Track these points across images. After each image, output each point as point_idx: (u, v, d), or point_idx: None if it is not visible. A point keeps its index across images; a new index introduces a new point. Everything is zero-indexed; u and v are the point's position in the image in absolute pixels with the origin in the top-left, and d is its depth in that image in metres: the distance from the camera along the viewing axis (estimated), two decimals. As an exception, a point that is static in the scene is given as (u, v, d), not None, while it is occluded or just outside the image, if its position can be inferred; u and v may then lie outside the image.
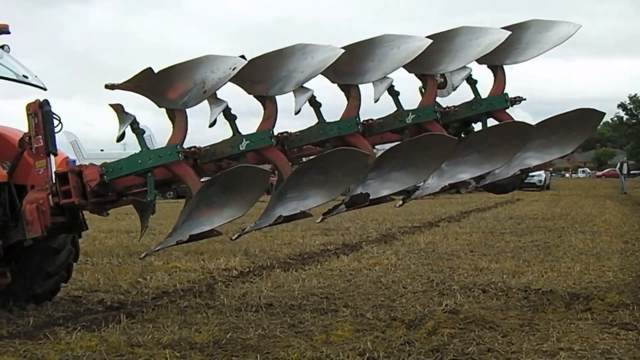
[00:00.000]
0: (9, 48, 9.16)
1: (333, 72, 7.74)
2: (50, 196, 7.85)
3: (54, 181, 7.90)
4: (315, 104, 7.89)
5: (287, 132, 7.87)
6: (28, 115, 8.07)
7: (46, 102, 8.13)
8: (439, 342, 6.77)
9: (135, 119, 7.45)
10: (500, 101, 8.25)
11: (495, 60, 8.19)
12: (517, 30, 8.02)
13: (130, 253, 14.37)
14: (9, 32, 9.19)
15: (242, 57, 7.29)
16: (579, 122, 8.11)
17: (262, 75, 7.56)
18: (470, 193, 32.23)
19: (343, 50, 7.40)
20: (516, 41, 8.06)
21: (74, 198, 7.74)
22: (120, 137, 7.38)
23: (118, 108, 7.40)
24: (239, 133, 7.63)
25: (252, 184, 7.26)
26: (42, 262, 8.91)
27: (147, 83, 7.28)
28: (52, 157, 8.12)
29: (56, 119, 8.49)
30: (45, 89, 9.04)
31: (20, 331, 7.60)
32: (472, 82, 8.37)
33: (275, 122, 7.74)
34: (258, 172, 7.19)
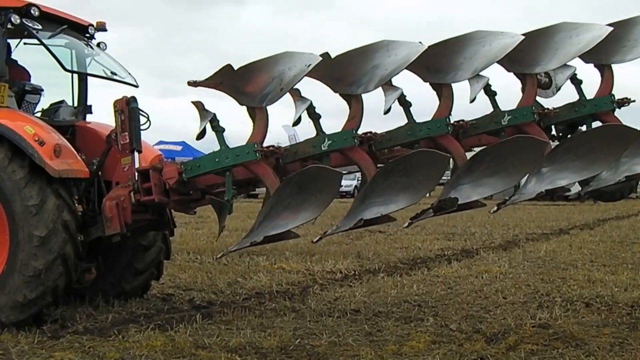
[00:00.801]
0: (105, 45, 9.29)
1: (425, 70, 7.41)
2: (132, 193, 7.87)
3: (136, 178, 7.93)
4: (404, 103, 7.54)
5: (372, 133, 7.55)
6: (115, 111, 8.15)
7: (133, 99, 8.18)
8: (515, 358, 6.31)
9: (215, 116, 7.36)
10: (605, 102, 7.62)
11: (602, 59, 7.59)
12: (624, 27, 7.40)
13: (239, 253, 14.34)
14: (105, 30, 9.32)
15: (326, 54, 7.06)
16: None
17: (346, 72, 7.30)
18: (578, 200, 30.79)
19: (426, 47, 7.04)
20: (624, 38, 7.43)
21: (155, 195, 7.74)
22: (201, 134, 7.26)
23: (198, 105, 7.30)
24: (322, 132, 7.39)
25: (325, 186, 7.01)
26: (131, 259, 9.00)
27: (228, 80, 7.16)
28: (136, 154, 8.13)
29: (144, 116, 8.53)
30: (136, 86, 9.10)
31: (96, 327, 7.65)
32: (576, 82, 7.78)
33: (360, 122, 7.44)
34: (330, 174, 6.92)
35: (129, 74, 9.20)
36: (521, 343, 6.85)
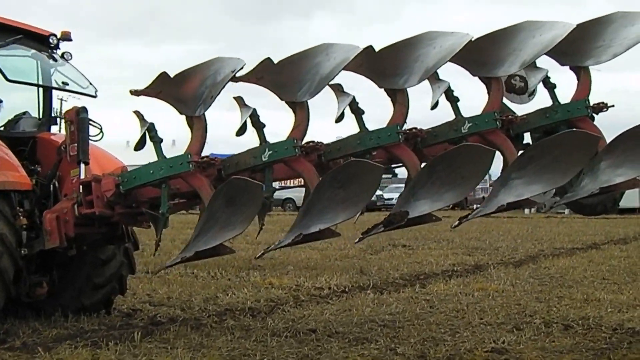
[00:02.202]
0: (70, 55, 9.09)
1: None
2: (76, 206, 7.62)
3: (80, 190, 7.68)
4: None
5: (318, 142, 7.13)
6: (65, 122, 7.95)
7: (83, 109, 7.94)
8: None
9: (152, 125, 7.09)
10: (579, 108, 7.05)
11: (577, 61, 7.06)
12: (598, 26, 6.88)
13: (240, 266, 14.06)
14: (70, 39, 9.14)
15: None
16: None
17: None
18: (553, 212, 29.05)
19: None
20: (599, 38, 6.90)
21: (96, 208, 7.48)
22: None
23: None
24: (265, 142, 7.00)
25: (250, 199, 6.61)
26: (90, 273, 8.75)
27: (166, 88, 6.88)
28: (82, 165, 7.89)
29: (97, 127, 8.33)
30: (94, 97, 8.88)
31: (35, 343, 7.38)
32: (549, 85, 7.23)
33: (305, 130, 7.03)
34: (255, 187, 6.52)
35: (91, 84, 8.99)
36: (461, 370, 6.36)
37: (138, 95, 6.95)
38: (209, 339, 7.64)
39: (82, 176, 7.81)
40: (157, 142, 7.17)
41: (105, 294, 8.97)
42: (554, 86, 7.23)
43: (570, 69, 7.17)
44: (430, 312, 9.34)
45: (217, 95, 6.73)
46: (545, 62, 7.21)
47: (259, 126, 7.06)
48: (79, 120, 7.87)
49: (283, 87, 6.83)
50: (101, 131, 8.36)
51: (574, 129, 6.80)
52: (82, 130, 7.89)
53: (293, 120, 7.04)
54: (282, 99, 6.87)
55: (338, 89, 7.07)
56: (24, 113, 8.97)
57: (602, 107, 7.12)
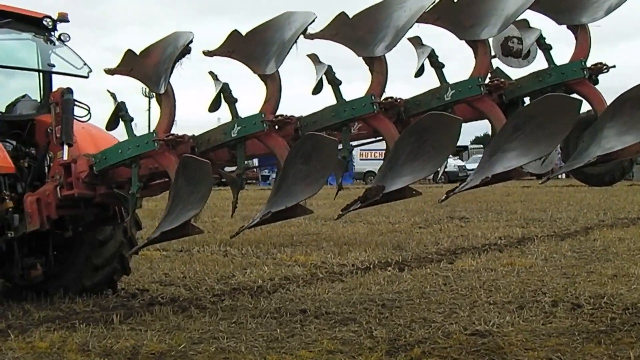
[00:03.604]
0: (68, 36, 9.02)
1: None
2: (58, 188, 7.59)
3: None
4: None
5: (290, 116, 6.77)
6: (50, 104, 7.93)
7: (68, 90, 7.92)
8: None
9: (124, 104, 6.99)
10: (574, 70, 6.40)
11: (573, 19, 6.45)
12: None
13: (278, 243, 13.91)
14: (67, 21, 9.06)
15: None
16: None
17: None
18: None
19: None
20: None
21: (75, 189, 7.43)
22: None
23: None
24: (237, 117, 6.76)
25: (201, 179, 6.40)
26: (88, 254, 8.73)
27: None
28: (65, 147, 7.85)
29: (84, 108, 8.28)
30: (86, 77, 8.80)
31: (19, 325, 7.41)
32: (545, 47, 6.65)
33: (277, 104, 6.78)
34: (203, 166, 6.29)
35: (85, 64, 8.92)
36: (427, 356, 6.03)
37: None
38: (189, 320, 7.51)
39: (65, 158, 7.78)
40: (128, 120, 7.06)
41: (107, 275, 8.92)
42: (550, 47, 6.64)
43: (568, 27, 6.61)
44: (441, 290, 8.98)
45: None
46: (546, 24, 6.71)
47: (231, 101, 6.84)
48: (63, 101, 7.83)
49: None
50: (89, 112, 8.30)
51: (552, 93, 6.27)
52: (65, 111, 7.86)
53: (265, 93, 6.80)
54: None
55: (314, 59, 6.77)
56: (23, 96, 8.95)
57: (601, 67, 6.45)
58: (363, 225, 17.24)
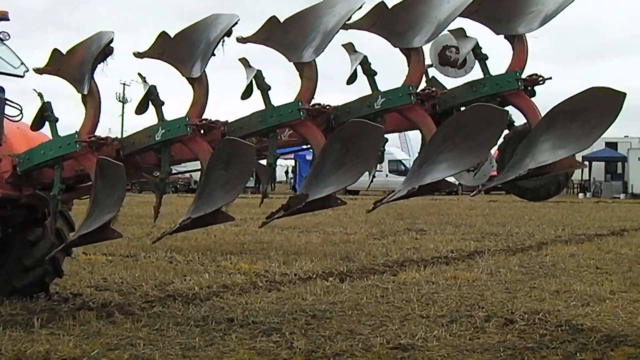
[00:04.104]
0: (8, 35, 8.82)
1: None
2: None
3: None
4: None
5: (322, 105, 6.62)
6: None
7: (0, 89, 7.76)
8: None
9: (49, 104, 6.82)
10: (509, 80, 6.35)
11: (511, 29, 6.41)
12: None
13: (228, 251, 13.73)
14: (8, 19, 8.88)
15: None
16: (594, 106, 5.98)
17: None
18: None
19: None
20: (531, 3, 6.31)
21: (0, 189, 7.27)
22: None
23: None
24: (162, 120, 6.66)
25: (116, 182, 6.27)
26: (18, 255, 8.52)
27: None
28: None
29: (16, 107, 8.11)
30: (21, 77, 8.60)
31: None
32: (480, 56, 6.58)
33: (203, 107, 6.81)
34: (116, 169, 6.16)
35: (22, 63, 8.73)
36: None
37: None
38: (111, 326, 7.32)
39: None
40: (53, 121, 6.93)
41: (38, 277, 8.68)
42: (486, 57, 6.59)
43: (505, 37, 6.55)
44: (377, 302, 8.84)
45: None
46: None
47: (157, 104, 6.72)
48: None
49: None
50: (21, 112, 8.13)
51: (478, 104, 6.18)
52: None
53: (192, 97, 6.69)
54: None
55: (245, 63, 6.65)
56: None
57: (536, 79, 6.41)
58: (318, 235, 17.12)
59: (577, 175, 48.09)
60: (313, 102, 6.48)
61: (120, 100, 65.76)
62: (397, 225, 19.48)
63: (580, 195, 44.24)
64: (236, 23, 6.32)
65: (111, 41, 6.48)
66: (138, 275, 10.54)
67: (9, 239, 8.41)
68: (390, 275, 10.96)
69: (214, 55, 6.46)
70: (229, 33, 6.38)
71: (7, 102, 7.87)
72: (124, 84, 64.08)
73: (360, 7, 6.26)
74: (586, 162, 37.42)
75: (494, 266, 11.88)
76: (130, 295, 9.14)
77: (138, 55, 6.67)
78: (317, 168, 6.40)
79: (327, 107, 6.47)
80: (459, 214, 24.65)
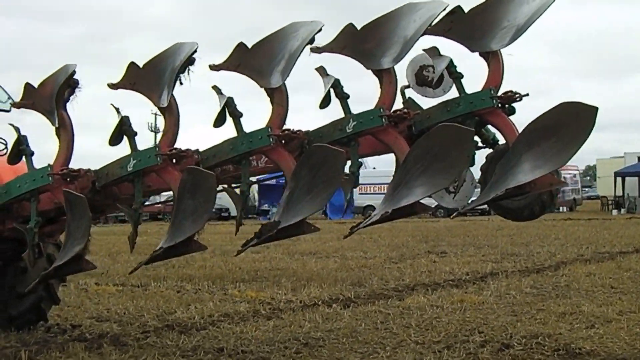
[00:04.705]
0: None
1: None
2: None
3: None
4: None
5: (291, 130, 6.46)
6: None
7: None
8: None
9: (25, 138, 6.83)
10: (483, 98, 6.07)
11: (483, 45, 6.17)
12: (500, 5, 6.10)
13: (227, 278, 13.66)
14: None
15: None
16: (568, 121, 5.80)
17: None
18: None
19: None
20: (502, 18, 6.06)
21: None
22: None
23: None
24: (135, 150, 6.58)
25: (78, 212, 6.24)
26: (13, 283, 8.52)
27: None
28: None
29: (1, 142, 8.16)
30: (7, 111, 8.67)
31: None
32: (455, 75, 6.27)
33: (174, 136, 6.71)
34: (79, 201, 6.12)
35: (10, 98, 8.80)
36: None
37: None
38: (98, 357, 7.29)
39: None
40: (28, 154, 6.96)
41: (33, 303, 8.66)
42: (460, 75, 6.28)
43: (480, 55, 6.34)
44: (375, 329, 8.68)
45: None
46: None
47: (130, 134, 6.68)
48: None
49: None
50: (6, 147, 8.16)
51: (443, 124, 6.00)
52: None
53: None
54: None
55: (217, 90, 6.57)
56: None
57: (511, 96, 6.09)
58: (336, 260, 17.00)
59: (610, 192, 47.52)
60: (285, 127, 6.39)
61: (152, 130, 66.32)
62: (419, 248, 19.31)
63: (615, 211, 43.48)
64: (195, 51, 6.26)
65: (73, 73, 6.49)
66: (142, 305, 10.50)
67: (2, 270, 8.40)
68: (396, 300, 10.78)
69: (182, 84, 6.41)
70: (191, 61, 6.33)
71: None
72: (155, 114, 64.55)
73: (320, 30, 6.17)
74: (566, 180, 36.35)
75: (504, 288, 11.64)
76: (129, 326, 9.08)
77: (112, 86, 6.65)
78: (289, 195, 6.28)
79: (298, 132, 6.36)
80: (485, 235, 24.35)
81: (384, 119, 6.17)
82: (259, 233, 6.29)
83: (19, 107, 6.92)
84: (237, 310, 10.08)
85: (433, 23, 6.05)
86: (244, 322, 9.25)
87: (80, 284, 12.83)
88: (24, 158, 7.02)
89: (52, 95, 6.54)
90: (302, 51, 6.11)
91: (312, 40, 6.19)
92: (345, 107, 6.30)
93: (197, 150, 6.56)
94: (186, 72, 6.36)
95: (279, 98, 6.41)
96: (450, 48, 6.30)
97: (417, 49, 6.42)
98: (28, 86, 6.72)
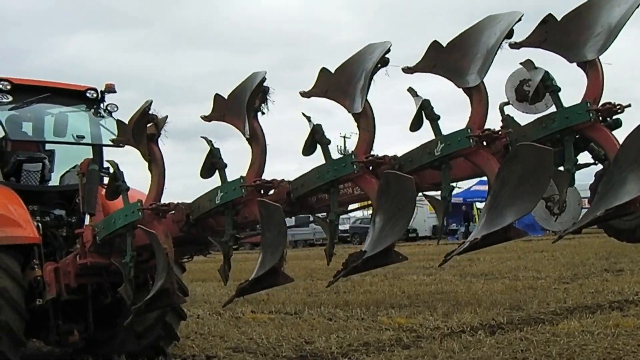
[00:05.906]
0: (116, 107, 9.21)
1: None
2: (78, 256, 7.73)
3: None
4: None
5: (378, 156, 6.22)
6: (77, 174, 8.13)
7: (93, 161, 8.22)
8: None
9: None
10: (579, 112, 5.51)
11: (580, 55, 5.61)
12: (589, 11, 5.56)
13: (383, 303, 13.38)
14: (114, 91, 9.31)
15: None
16: None
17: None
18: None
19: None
20: (595, 24, 5.52)
21: (88, 258, 7.63)
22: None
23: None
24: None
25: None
26: (130, 321, 8.68)
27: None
28: (87, 216, 8.07)
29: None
30: (121, 146, 8.85)
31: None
32: (551, 88, 5.73)
33: (262, 168, 6.66)
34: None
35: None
36: None
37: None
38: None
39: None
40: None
41: (151, 342, 8.83)
42: (558, 89, 5.75)
43: (578, 65, 5.75)
44: (513, 359, 8.19)
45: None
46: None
47: (220, 166, 6.69)
48: (88, 172, 8.00)
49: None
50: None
51: (522, 143, 5.52)
52: (89, 182, 7.99)
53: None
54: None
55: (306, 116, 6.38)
56: (74, 167, 9.12)
57: (611, 108, 5.49)
58: (505, 281, 16.36)
59: None
60: (371, 153, 6.14)
61: (341, 153, 67.23)
62: (596, 266, 18.25)
63: None
64: (519, 20, 5.67)
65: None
66: (284, 335, 10.45)
67: (118, 304, 8.47)
68: (548, 325, 10.15)
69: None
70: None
71: (102, 172, 8.20)
72: (344, 137, 65.39)
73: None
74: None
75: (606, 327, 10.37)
76: (262, 357, 9.08)
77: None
78: (374, 224, 6.04)
79: (385, 157, 6.09)
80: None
81: (471, 140, 5.76)
82: (345, 263, 6.09)
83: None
84: (378, 339, 9.83)
85: (507, 34, 5.61)
86: (379, 352, 8.99)
87: (237, 312, 13.02)
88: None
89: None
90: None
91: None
92: (436, 129, 5.95)
93: (282, 180, 6.45)
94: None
95: (364, 123, 6.18)
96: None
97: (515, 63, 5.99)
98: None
